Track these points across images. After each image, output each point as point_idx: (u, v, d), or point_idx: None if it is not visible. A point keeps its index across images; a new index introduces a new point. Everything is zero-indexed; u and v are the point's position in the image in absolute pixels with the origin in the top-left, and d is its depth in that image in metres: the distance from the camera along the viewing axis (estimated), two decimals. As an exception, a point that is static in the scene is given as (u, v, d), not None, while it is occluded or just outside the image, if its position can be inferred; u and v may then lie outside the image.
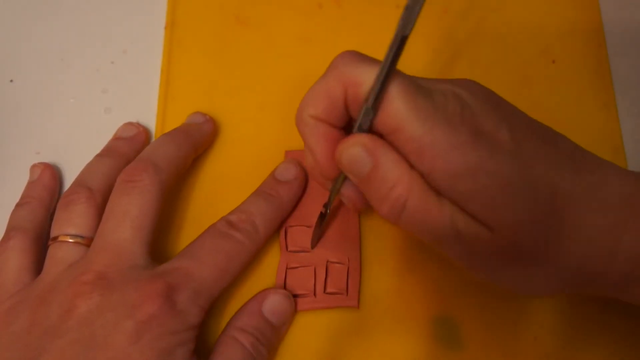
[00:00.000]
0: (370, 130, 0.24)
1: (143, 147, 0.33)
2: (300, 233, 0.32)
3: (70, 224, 0.29)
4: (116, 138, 0.34)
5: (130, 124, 0.35)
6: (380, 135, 0.24)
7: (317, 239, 0.32)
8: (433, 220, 0.24)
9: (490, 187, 0.22)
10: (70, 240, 0.29)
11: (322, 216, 0.30)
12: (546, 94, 0.35)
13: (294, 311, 0.30)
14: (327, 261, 0.31)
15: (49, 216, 0.32)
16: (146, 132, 0.35)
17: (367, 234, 0.32)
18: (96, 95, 0.37)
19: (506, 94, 0.26)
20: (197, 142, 0.33)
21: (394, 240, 0.32)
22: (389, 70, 0.22)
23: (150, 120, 0.36)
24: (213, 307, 0.29)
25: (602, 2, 0.37)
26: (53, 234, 0.30)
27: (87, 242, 0.29)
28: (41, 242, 0.31)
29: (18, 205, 0.32)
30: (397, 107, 0.23)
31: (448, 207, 0.23)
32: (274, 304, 0.29)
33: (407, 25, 0.22)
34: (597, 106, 0.35)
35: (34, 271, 0.30)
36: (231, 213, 0.30)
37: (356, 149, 0.24)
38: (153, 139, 0.35)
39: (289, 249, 0.32)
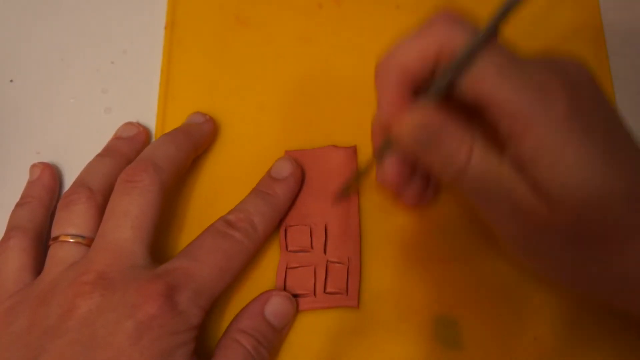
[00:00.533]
0: (450, 93, 0.24)
1: (143, 147, 0.33)
2: (300, 233, 0.32)
3: (71, 224, 0.29)
4: (116, 138, 0.34)
5: (130, 123, 0.35)
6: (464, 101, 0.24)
7: (346, 193, 0.32)
8: (491, 187, 0.24)
9: (574, 163, 0.22)
10: (71, 240, 0.29)
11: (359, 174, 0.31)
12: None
13: (296, 313, 0.30)
14: (327, 261, 0.31)
15: (49, 216, 0.32)
16: (146, 131, 0.35)
17: (367, 234, 0.32)
18: (96, 95, 0.37)
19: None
20: (197, 142, 0.33)
21: (394, 240, 0.32)
22: (488, 36, 0.22)
23: (150, 120, 0.36)
24: (213, 307, 0.29)
25: (602, 2, 0.37)
26: (54, 233, 0.30)
27: (88, 242, 0.29)
28: (41, 242, 0.31)
29: (18, 205, 0.32)
30: (489, 73, 0.23)
31: (509, 175, 0.23)
32: (276, 306, 0.29)
33: None
34: (597, 106, 0.35)
35: (34, 271, 0.30)
36: (229, 213, 0.30)
37: (418, 126, 0.24)
38: (153, 139, 0.35)
39: (288, 249, 0.32)
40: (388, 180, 0.28)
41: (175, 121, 0.34)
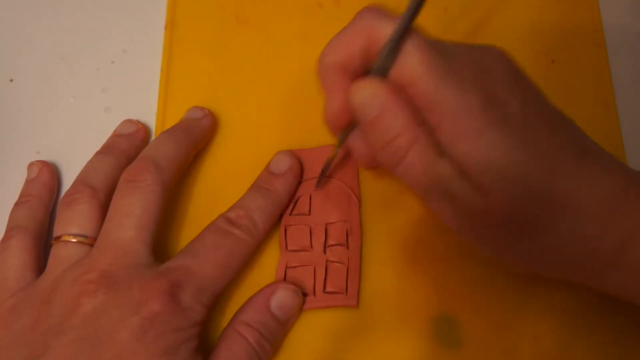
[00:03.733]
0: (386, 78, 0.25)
1: (143, 144, 0.34)
2: (300, 232, 0.32)
3: (74, 224, 0.29)
4: (116, 135, 0.34)
5: (129, 120, 0.35)
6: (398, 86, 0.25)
7: (322, 179, 0.32)
8: (429, 177, 0.24)
9: (490, 152, 0.23)
10: (74, 240, 0.29)
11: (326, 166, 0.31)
12: (546, 94, 0.35)
13: (301, 307, 0.30)
14: (327, 260, 0.31)
15: (49, 214, 0.32)
16: (145, 128, 0.35)
17: (367, 234, 0.32)
18: (96, 94, 0.37)
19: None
20: (197, 138, 0.33)
21: (394, 239, 0.32)
22: (407, 26, 0.23)
23: (150, 119, 0.36)
24: (215, 305, 0.29)
25: (602, 2, 0.37)
26: (56, 233, 0.30)
27: (91, 241, 0.29)
28: (42, 241, 0.31)
29: (17, 203, 0.32)
30: (411, 62, 0.23)
31: (446, 166, 0.24)
32: (282, 298, 0.29)
33: None
34: (597, 106, 0.35)
35: (36, 270, 0.30)
36: (230, 210, 0.30)
37: (366, 93, 0.25)
38: (153, 139, 0.35)
39: (288, 248, 0.32)
40: (362, 162, 0.29)
41: (175, 121, 0.34)
